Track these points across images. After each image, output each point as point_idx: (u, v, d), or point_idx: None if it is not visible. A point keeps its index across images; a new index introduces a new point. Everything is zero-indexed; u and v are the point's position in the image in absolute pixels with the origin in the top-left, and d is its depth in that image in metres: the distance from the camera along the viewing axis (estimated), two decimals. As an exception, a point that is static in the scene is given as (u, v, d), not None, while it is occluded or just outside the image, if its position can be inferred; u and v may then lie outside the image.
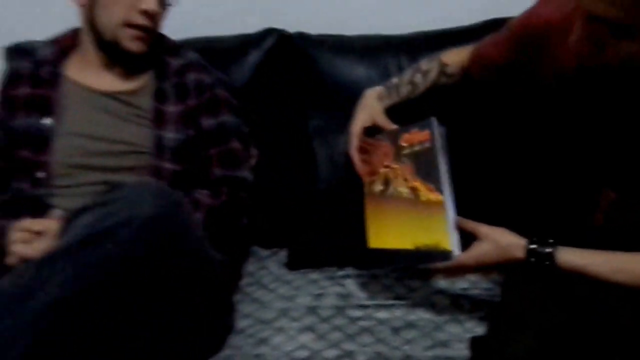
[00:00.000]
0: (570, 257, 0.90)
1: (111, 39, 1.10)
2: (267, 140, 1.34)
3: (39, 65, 1.17)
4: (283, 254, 1.31)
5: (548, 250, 0.91)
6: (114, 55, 1.14)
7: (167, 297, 0.87)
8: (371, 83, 1.30)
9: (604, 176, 0.95)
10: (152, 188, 0.87)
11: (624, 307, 0.83)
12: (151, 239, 0.82)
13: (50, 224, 1.00)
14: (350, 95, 1.33)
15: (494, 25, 1.44)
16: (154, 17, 1.10)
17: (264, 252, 1.33)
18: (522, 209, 1.04)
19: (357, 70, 1.42)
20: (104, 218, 0.81)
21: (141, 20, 1.09)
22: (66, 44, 1.19)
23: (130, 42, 1.10)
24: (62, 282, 0.76)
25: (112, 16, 1.08)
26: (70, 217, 0.86)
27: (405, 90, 1.16)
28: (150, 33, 1.12)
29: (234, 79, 1.39)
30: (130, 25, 1.08)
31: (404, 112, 1.15)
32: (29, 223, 1.02)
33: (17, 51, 1.27)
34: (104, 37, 1.11)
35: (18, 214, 1.10)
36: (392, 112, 1.16)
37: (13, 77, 1.18)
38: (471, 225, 0.98)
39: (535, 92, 1.00)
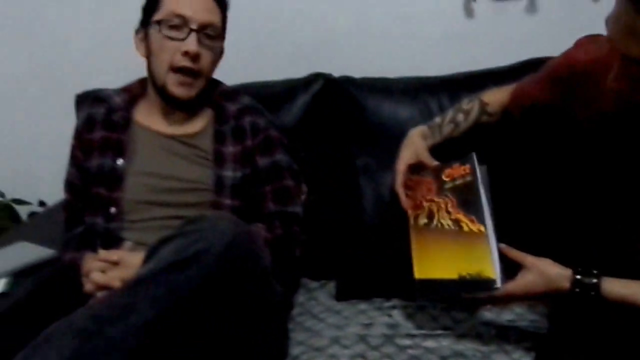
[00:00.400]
0: (615, 287, 0.93)
1: (161, 85, 1.21)
2: (316, 177, 1.41)
3: (112, 111, 1.29)
4: (332, 285, 1.38)
5: (593, 280, 0.94)
6: (167, 101, 1.24)
7: (236, 318, 0.95)
8: (414, 123, 1.36)
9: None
10: (228, 220, 0.97)
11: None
12: (228, 263, 0.90)
13: (123, 255, 1.10)
14: (394, 134, 1.39)
15: (531, 65, 1.49)
16: (196, 59, 1.18)
17: (314, 284, 1.40)
18: (566, 241, 1.07)
19: (400, 110, 1.50)
20: (188, 246, 0.90)
21: (184, 62, 1.17)
22: (135, 92, 1.31)
23: (176, 88, 1.19)
24: (152, 303, 0.85)
25: (161, 62, 1.19)
26: (157, 245, 0.95)
27: (447, 129, 1.22)
28: (195, 76, 1.19)
29: (284, 121, 1.47)
30: (175, 69, 1.18)
31: (446, 150, 1.21)
32: (105, 253, 1.12)
33: (92, 98, 1.39)
34: (157, 83, 1.22)
35: (92, 246, 1.21)
36: (434, 149, 1.23)
37: (88, 122, 1.30)
38: (517, 254, 1.02)
39: (576, 129, 1.05)
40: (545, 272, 0.99)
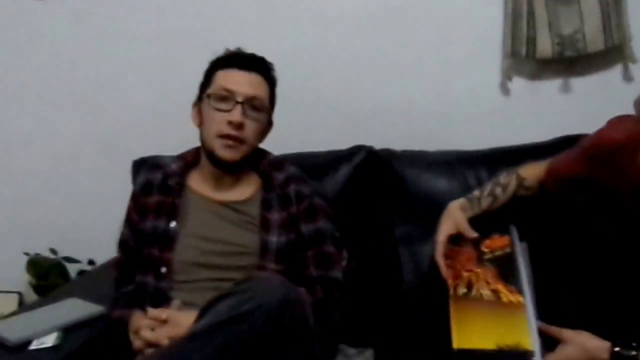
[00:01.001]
0: None
1: (210, 150, 1.30)
2: (357, 245, 1.45)
3: (167, 176, 1.38)
4: (369, 353, 1.39)
5: (632, 353, 0.95)
6: (215, 164, 1.31)
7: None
8: (452, 194, 1.40)
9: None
10: (279, 280, 1.02)
11: None
12: (278, 322, 0.94)
13: (172, 313, 1.16)
14: (433, 206, 1.43)
15: (565, 142, 1.52)
16: (240, 128, 1.27)
17: (351, 350, 1.41)
18: (605, 314, 1.08)
19: (438, 182, 1.55)
20: (240, 304, 0.95)
21: (228, 129, 1.27)
22: (189, 160, 1.41)
23: (222, 150, 1.28)
24: (203, 358, 0.89)
25: (210, 130, 1.29)
26: (211, 302, 1.00)
27: (486, 202, 1.26)
28: (239, 141, 1.28)
29: (327, 190, 1.53)
30: (221, 135, 1.27)
31: (485, 223, 1.25)
32: (154, 312, 1.17)
33: (150, 164, 1.48)
34: (207, 149, 1.31)
35: (141, 304, 1.26)
36: (473, 221, 1.26)
37: (146, 187, 1.39)
38: (554, 330, 1.04)
39: (610, 204, 1.08)
40: (584, 344, 1.00)
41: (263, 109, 1.32)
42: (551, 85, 1.74)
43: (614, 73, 1.71)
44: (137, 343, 1.16)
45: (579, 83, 1.73)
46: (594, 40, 1.63)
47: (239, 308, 0.94)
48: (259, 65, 1.33)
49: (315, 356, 1.08)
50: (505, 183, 1.26)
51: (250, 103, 1.29)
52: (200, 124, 1.33)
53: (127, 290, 1.36)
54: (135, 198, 1.40)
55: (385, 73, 1.78)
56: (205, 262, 1.27)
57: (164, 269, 1.28)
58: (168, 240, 1.30)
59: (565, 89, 1.74)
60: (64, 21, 1.90)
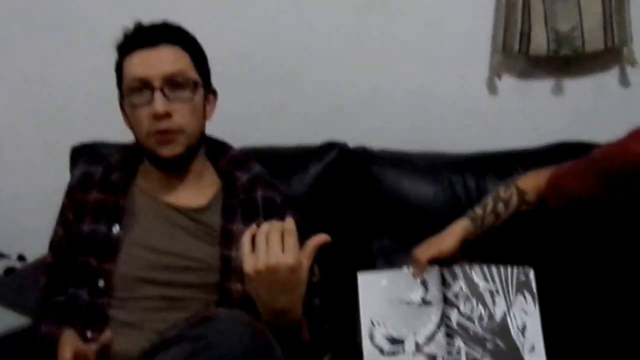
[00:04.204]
0: None
1: (147, 151, 1.11)
2: (328, 258, 1.29)
3: (110, 170, 1.17)
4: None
5: None
6: (159, 166, 1.13)
7: None
8: (437, 203, 1.30)
9: None
10: (242, 323, 0.83)
11: None
12: None
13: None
14: (415, 214, 1.32)
15: (560, 148, 1.44)
16: (167, 117, 1.06)
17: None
18: (619, 345, 0.97)
19: (421, 188, 1.41)
20: (195, 355, 0.76)
21: (155, 125, 1.06)
22: (136, 152, 1.19)
23: (159, 149, 1.09)
24: None
25: (140, 132, 1.10)
26: (150, 352, 0.81)
27: (489, 220, 1.13)
28: (173, 133, 1.08)
29: (294, 190, 1.38)
30: (151, 133, 1.08)
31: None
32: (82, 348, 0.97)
33: (89, 154, 1.29)
34: (144, 150, 1.12)
35: (72, 322, 1.08)
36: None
37: (84, 181, 1.18)
38: None
39: (627, 228, 0.96)
40: None
41: (189, 84, 1.09)
42: (543, 86, 1.62)
43: (611, 76, 1.60)
44: None
45: (572, 84, 1.62)
46: (593, 38, 1.51)
47: None
48: (165, 35, 1.10)
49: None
50: (506, 198, 1.13)
51: (170, 84, 1.07)
52: (131, 126, 1.13)
53: (57, 301, 1.15)
54: (71, 194, 1.19)
55: (363, 64, 1.63)
56: (153, 277, 1.08)
57: (101, 283, 1.09)
58: (109, 248, 1.10)
59: (558, 90, 1.62)
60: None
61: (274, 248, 0.87)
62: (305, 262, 0.90)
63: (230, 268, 1.09)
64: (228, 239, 1.11)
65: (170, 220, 1.12)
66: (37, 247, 1.43)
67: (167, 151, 1.09)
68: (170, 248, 1.10)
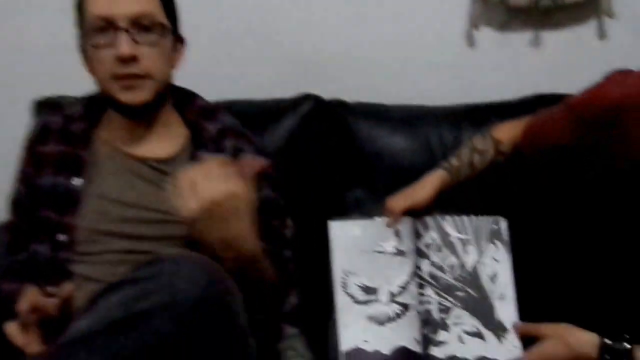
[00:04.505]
0: None
1: (110, 95, 1.04)
2: (302, 210, 1.26)
3: (70, 120, 1.11)
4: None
5: (626, 346, 0.82)
6: (121, 112, 1.07)
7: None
8: (412, 155, 1.28)
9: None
10: (196, 264, 0.77)
11: None
12: (194, 324, 0.71)
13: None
14: (390, 167, 1.29)
15: (538, 100, 1.42)
16: (133, 61, 1.00)
17: (291, 330, 1.21)
18: (594, 303, 0.96)
19: (397, 140, 1.38)
20: (139, 298, 0.71)
21: (119, 68, 1.00)
22: (99, 101, 1.13)
23: (123, 94, 1.02)
24: None
25: (102, 76, 1.03)
26: (100, 294, 0.76)
27: (465, 173, 1.10)
28: (140, 78, 1.02)
29: (267, 143, 1.35)
30: (114, 77, 1.01)
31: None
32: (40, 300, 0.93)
33: (48, 105, 1.23)
34: (106, 95, 1.05)
35: (33, 277, 1.03)
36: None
37: (43, 132, 1.12)
38: (532, 328, 0.91)
39: (604, 177, 0.94)
40: (567, 339, 0.87)
41: (157, 27, 1.02)
42: (521, 38, 1.58)
43: (588, 28, 1.57)
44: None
45: (550, 36, 1.58)
46: (573, -12, 1.47)
47: (134, 305, 0.70)
48: None
49: (247, 355, 0.87)
50: (482, 149, 1.11)
51: (137, 25, 1.00)
52: (91, 70, 1.05)
53: (20, 258, 1.10)
54: (30, 147, 1.13)
55: (339, 16, 1.57)
56: (117, 230, 1.03)
57: (63, 237, 1.04)
58: (70, 201, 1.05)
59: (536, 42, 1.58)
60: None
61: (212, 182, 0.84)
62: (245, 188, 0.86)
63: None
64: None
65: (135, 172, 1.07)
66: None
67: (131, 97, 1.02)
68: (134, 200, 1.05)
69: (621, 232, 0.93)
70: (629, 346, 0.82)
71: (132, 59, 0.99)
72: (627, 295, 0.93)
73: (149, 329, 0.69)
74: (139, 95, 1.02)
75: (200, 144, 1.11)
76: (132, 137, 1.10)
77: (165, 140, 1.11)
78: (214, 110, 1.18)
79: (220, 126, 1.14)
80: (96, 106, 1.13)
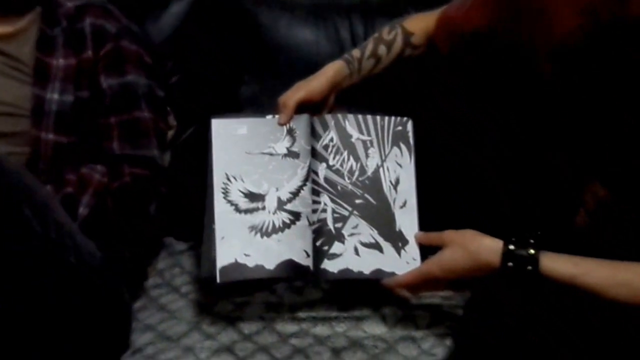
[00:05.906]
0: (559, 264, 0.73)
1: None
2: (188, 109, 1.11)
3: None
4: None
5: (530, 251, 0.74)
6: None
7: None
8: (319, 49, 1.15)
9: (596, 167, 0.78)
10: None
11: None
12: None
13: None
14: (292, 61, 1.17)
15: None
16: None
17: (179, 246, 1.09)
18: (494, 208, 0.88)
19: (302, 31, 1.22)
20: None
21: None
22: None
23: None
24: None
25: None
26: None
27: (368, 65, 0.97)
28: None
29: (151, 33, 1.18)
30: None
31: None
32: None
33: None
34: None
35: None
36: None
37: None
38: (433, 237, 0.83)
39: (520, 67, 0.83)
40: (467, 245, 0.79)
41: None
42: None
43: None
44: None
45: None
46: None
47: None
48: None
49: (79, 255, 0.77)
50: (389, 40, 0.97)
51: None
52: None
53: None
54: None
55: None
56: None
57: None
58: None
59: None
60: None
61: None
62: None
63: (43, 112, 0.90)
64: (44, 77, 0.92)
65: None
66: None
67: None
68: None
69: (531, 124, 0.83)
70: (532, 251, 0.74)
71: None
72: (535, 200, 0.85)
73: None
74: None
75: (52, 21, 0.94)
76: None
77: (8, 17, 0.93)
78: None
79: (80, 3, 0.97)
80: None
